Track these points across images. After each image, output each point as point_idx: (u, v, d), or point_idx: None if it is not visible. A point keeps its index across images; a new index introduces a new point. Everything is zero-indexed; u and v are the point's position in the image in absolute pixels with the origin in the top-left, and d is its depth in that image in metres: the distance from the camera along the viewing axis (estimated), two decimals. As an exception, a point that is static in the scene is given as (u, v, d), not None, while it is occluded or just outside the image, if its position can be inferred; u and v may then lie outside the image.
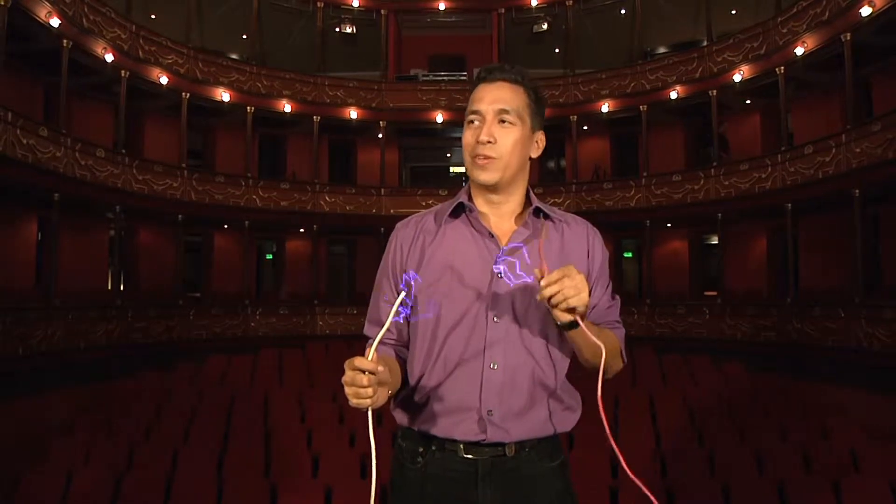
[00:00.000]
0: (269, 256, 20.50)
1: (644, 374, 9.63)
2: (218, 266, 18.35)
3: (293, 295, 18.52)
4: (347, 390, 1.29)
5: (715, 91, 15.92)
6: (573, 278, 1.29)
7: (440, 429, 1.53)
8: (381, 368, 1.30)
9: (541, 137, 1.67)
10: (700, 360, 10.53)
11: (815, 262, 15.16)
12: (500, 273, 1.54)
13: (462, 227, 1.61)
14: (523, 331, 1.53)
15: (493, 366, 1.51)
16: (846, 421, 6.41)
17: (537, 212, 1.63)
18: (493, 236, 1.58)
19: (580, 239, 1.65)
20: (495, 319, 1.52)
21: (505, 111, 1.57)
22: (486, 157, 1.55)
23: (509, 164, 1.57)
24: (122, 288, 15.06)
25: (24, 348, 11.20)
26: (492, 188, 1.60)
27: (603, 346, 1.36)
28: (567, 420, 1.61)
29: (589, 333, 1.35)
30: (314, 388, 8.58)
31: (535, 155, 1.67)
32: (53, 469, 4.74)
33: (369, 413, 1.34)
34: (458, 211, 1.64)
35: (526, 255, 1.56)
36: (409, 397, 1.60)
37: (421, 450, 1.56)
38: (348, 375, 1.28)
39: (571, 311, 1.33)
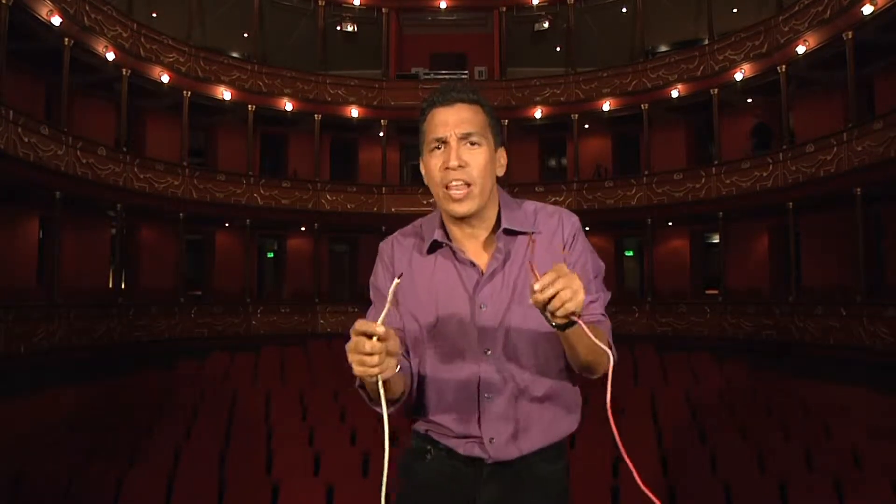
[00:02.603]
0: (271, 255, 20.50)
1: (645, 372, 9.63)
2: (219, 264, 18.37)
3: (295, 293, 18.53)
4: (351, 357, 1.20)
5: (716, 89, 15.91)
6: (568, 278, 1.19)
7: (445, 442, 1.56)
8: (389, 333, 1.21)
9: (502, 154, 1.61)
10: (701, 359, 10.52)
11: (817, 260, 15.15)
12: (484, 305, 1.50)
13: (442, 259, 1.57)
14: (516, 357, 1.51)
15: (489, 396, 1.50)
16: (848, 420, 6.41)
17: (508, 232, 1.55)
18: (474, 265, 1.53)
19: (551, 237, 1.56)
20: (487, 352, 1.50)
21: (469, 133, 1.50)
22: (461, 185, 1.48)
23: (483, 189, 1.51)
24: (123, 286, 15.06)
25: (25, 346, 11.22)
26: (466, 219, 1.53)
27: (611, 352, 1.31)
28: (570, 423, 1.60)
29: (590, 335, 1.27)
30: (316, 387, 8.59)
31: (500, 173, 1.59)
32: (55, 468, 4.74)
33: (379, 384, 1.25)
34: (435, 247, 1.58)
35: (506, 276, 1.52)
36: (413, 411, 1.60)
37: (429, 447, 1.58)
38: (353, 341, 1.19)
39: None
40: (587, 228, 19.57)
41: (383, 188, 18.15)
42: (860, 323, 11.97)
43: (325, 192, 17.81)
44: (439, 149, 1.52)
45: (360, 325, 1.19)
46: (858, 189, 12.33)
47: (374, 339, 1.18)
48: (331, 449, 5.29)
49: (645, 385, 8.48)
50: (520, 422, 1.52)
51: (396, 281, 1.25)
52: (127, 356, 13.13)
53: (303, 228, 18.57)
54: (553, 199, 17.14)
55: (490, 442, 1.51)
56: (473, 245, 1.58)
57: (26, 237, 13.95)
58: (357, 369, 1.20)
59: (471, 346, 1.50)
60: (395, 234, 1.67)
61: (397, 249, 1.63)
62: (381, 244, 1.66)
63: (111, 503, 4.41)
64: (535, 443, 1.53)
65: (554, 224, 1.57)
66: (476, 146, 1.51)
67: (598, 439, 5.38)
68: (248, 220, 16.83)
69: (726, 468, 4.86)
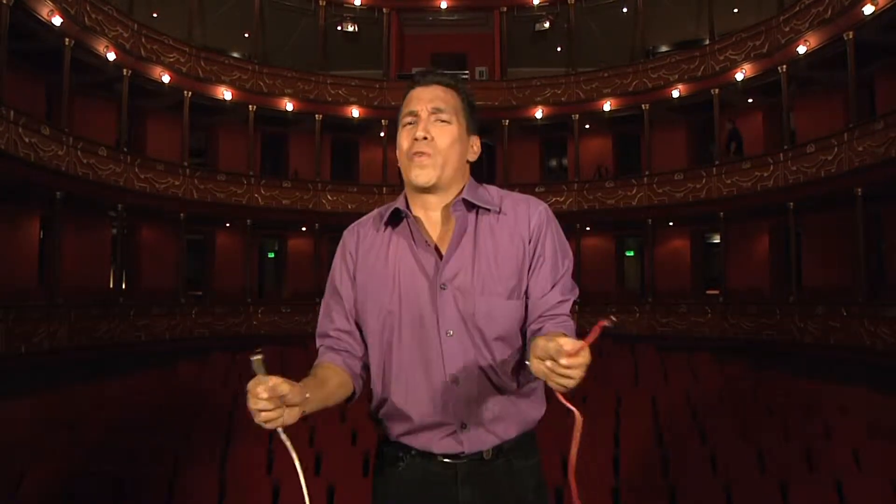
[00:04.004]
0: (272, 255, 20.51)
1: (646, 372, 9.62)
2: (220, 264, 18.38)
3: (295, 293, 18.54)
4: (252, 414, 1.25)
5: (717, 90, 15.92)
6: (584, 361, 1.14)
7: (418, 443, 1.52)
8: (285, 389, 1.22)
9: (476, 142, 1.63)
10: (702, 359, 10.51)
11: (818, 260, 15.15)
12: (444, 286, 1.48)
13: (400, 238, 1.56)
14: (477, 340, 1.48)
15: (456, 382, 1.47)
16: (848, 420, 6.40)
17: (469, 205, 1.55)
18: (429, 245, 1.52)
19: (515, 222, 1.55)
20: (449, 333, 1.47)
21: (439, 109, 1.54)
22: (423, 154, 1.51)
23: (447, 162, 1.53)
24: (124, 286, 15.07)
25: (25, 346, 11.22)
26: (429, 190, 1.55)
27: (577, 412, 1.24)
28: (539, 409, 1.60)
29: (577, 432, 1.24)
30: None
31: (472, 158, 1.61)
32: (56, 468, 4.74)
33: (281, 434, 1.29)
34: (395, 218, 1.59)
35: (465, 254, 1.51)
36: (380, 411, 1.58)
37: (401, 454, 1.55)
38: (250, 400, 1.24)
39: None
40: (588, 228, 19.58)
41: (384, 188, 18.15)
42: (861, 323, 11.96)
43: (325, 193, 17.81)
44: (411, 124, 1.55)
45: (251, 385, 1.24)
46: (859, 189, 12.33)
47: (267, 385, 1.23)
48: (331, 449, 5.29)
49: (645, 385, 8.47)
50: (490, 406, 1.50)
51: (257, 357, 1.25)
52: (127, 356, 13.13)
53: (303, 229, 18.58)
54: (554, 199, 17.15)
55: (463, 428, 1.48)
56: (432, 223, 1.58)
57: (27, 237, 13.96)
58: (257, 420, 1.25)
59: (432, 329, 1.48)
60: (356, 222, 1.67)
61: (360, 236, 1.63)
62: (345, 232, 1.67)
63: (110, 503, 4.41)
64: (509, 430, 1.52)
65: (522, 211, 1.56)
66: (445, 123, 1.54)
67: (597, 439, 5.38)
68: (248, 221, 16.84)
69: (727, 468, 4.86)
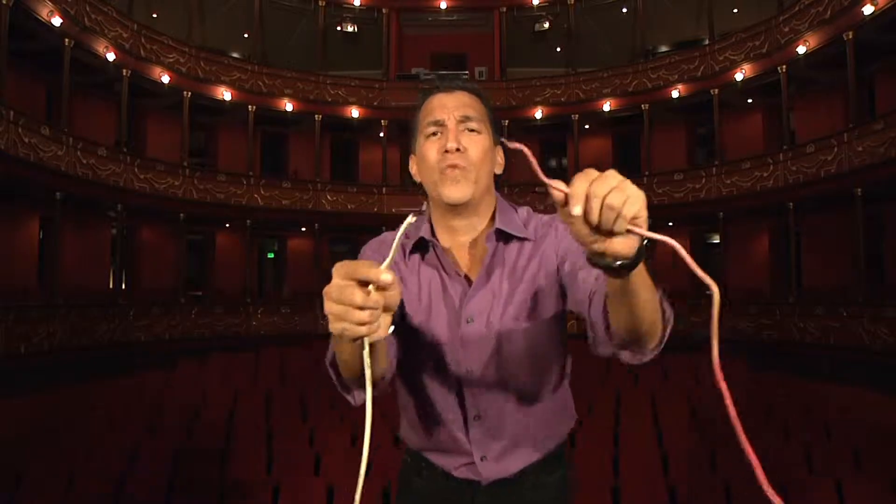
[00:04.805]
0: (271, 255, 20.51)
1: (645, 372, 9.62)
2: (220, 264, 18.38)
3: (295, 294, 18.53)
4: (332, 307, 0.84)
5: (717, 90, 15.93)
6: (605, 178, 0.81)
7: (439, 462, 1.50)
8: (394, 281, 0.85)
9: (500, 153, 1.48)
10: (702, 359, 10.51)
11: (818, 260, 15.15)
12: (471, 319, 1.38)
13: (429, 267, 1.44)
14: (507, 373, 1.40)
15: (476, 416, 1.42)
16: (848, 420, 6.41)
17: (501, 234, 1.42)
18: (459, 275, 1.41)
19: (548, 253, 1.40)
20: (467, 371, 1.39)
21: (468, 117, 1.39)
22: (457, 167, 1.36)
23: (480, 177, 1.38)
24: (123, 286, 15.07)
25: (26, 346, 11.22)
26: (459, 210, 1.40)
27: (710, 280, 0.82)
28: (566, 427, 1.55)
29: (685, 255, 0.88)
30: (316, 387, 8.58)
31: (498, 171, 1.47)
32: (56, 468, 4.74)
33: (366, 351, 0.90)
34: (420, 246, 1.45)
35: (497, 286, 1.39)
36: (405, 423, 1.55)
37: (423, 465, 1.53)
38: (336, 286, 0.84)
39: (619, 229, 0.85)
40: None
41: (384, 188, 18.15)
42: (861, 323, 11.96)
43: (325, 193, 17.81)
44: (436, 134, 1.40)
45: (354, 267, 0.84)
46: (859, 189, 12.34)
47: (371, 287, 0.84)
48: (331, 449, 5.29)
49: (645, 385, 8.47)
50: (511, 438, 1.44)
51: (408, 220, 0.95)
52: (127, 356, 13.13)
53: (303, 229, 18.58)
54: (553, 200, 17.12)
55: (482, 460, 1.44)
56: (461, 249, 1.45)
57: (27, 237, 13.95)
58: (336, 325, 0.85)
59: (455, 362, 1.40)
60: (375, 240, 1.53)
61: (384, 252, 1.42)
62: (370, 251, 1.50)
63: (111, 503, 4.41)
64: (530, 457, 1.47)
65: (551, 238, 1.42)
66: (475, 133, 1.40)
67: (598, 439, 5.38)
68: (248, 221, 16.84)
69: (726, 468, 4.86)
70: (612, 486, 4.45)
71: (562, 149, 20.12)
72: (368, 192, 18.20)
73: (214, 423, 6.47)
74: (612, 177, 0.81)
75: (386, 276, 0.83)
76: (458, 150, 1.36)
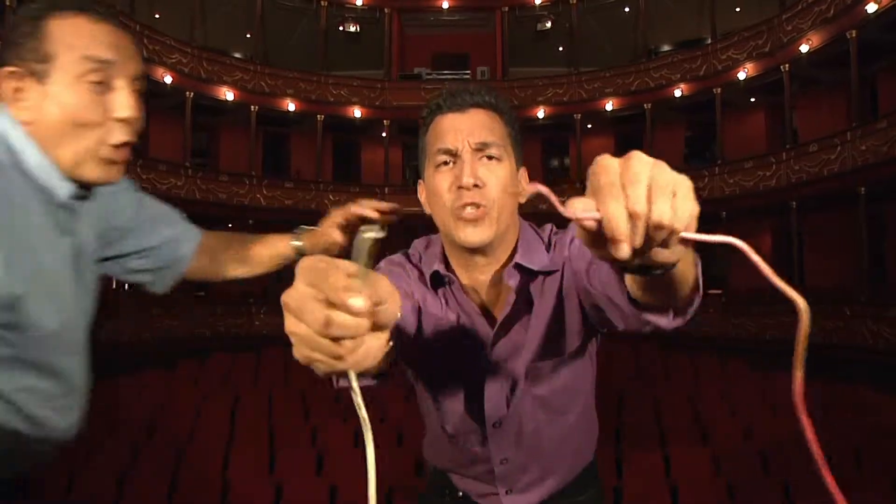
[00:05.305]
0: (274, 255, 20.49)
1: (648, 372, 9.63)
2: (222, 265, 18.36)
3: (297, 294, 18.51)
4: (295, 328, 0.62)
5: (719, 89, 15.91)
6: (637, 182, 0.59)
7: (462, 487, 1.44)
8: (386, 290, 0.67)
9: (524, 176, 1.27)
10: (705, 359, 10.51)
11: (820, 260, 15.13)
12: (496, 363, 1.26)
13: (445, 303, 1.27)
14: (535, 417, 1.30)
15: (503, 461, 1.33)
16: (851, 420, 6.40)
17: (524, 270, 1.24)
18: (480, 315, 1.25)
19: (573, 276, 1.21)
20: (494, 426, 1.29)
21: (486, 144, 1.18)
22: (475, 206, 1.16)
23: (502, 214, 1.18)
24: (126, 286, 15.08)
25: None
26: (479, 250, 1.22)
27: (800, 300, 0.64)
28: (591, 448, 1.47)
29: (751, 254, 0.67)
30: (318, 387, 8.58)
31: (522, 200, 1.25)
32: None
33: (352, 381, 0.65)
34: (435, 282, 1.28)
35: (523, 327, 1.25)
36: (428, 441, 1.47)
37: (447, 491, 1.46)
38: (300, 301, 0.61)
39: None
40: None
41: (386, 188, 18.15)
42: (863, 323, 11.95)
43: (327, 193, 17.81)
44: (448, 164, 1.19)
45: (323, 274, 0.59)
46: (862, 188, 12.32)
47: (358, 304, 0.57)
48: (333, 449, 5.29)
49: (648, 385, 8.46)
50: (539, 472, 1.36)
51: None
52: (127, 356, 13.13)
53: (305, 229, 18.55)
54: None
55: (507, 494, 1.36)
56: (481, 285, 1.27)
57: (29, 238, 13.96)
58: (302, 352, 0.64)
59: (480, 409, 1.29)
60: (398, 263, 1.33)
61: (411, 276, 1.30)
62: (396, 268, 1.30)
63: (111, 503, 4.42)
64: (558, 486, 1.39)
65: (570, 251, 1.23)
66: (495, 161, 1.18)
67: (599, 439, 5.36)
68: (250, 221, 16.84)
69: (730, 468, 4.85)
70: (613, 486, 4.44)
71: (564, 148, 20.12)
72: (370, 192, 18.16)
73: (216, 422, 6.47)
74: (643, 171, 0.60)
75: (357, 302, 0.57)
76: (476, 185, 1.15)
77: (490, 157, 1.18)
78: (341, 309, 0.57)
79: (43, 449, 1.24)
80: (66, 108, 1.06)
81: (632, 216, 0.58)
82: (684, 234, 0.64)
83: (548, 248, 1.26)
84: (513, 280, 1.21)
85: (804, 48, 13.68)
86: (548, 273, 1.24)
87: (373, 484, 0.72)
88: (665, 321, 0.96)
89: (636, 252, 0.62)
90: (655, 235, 0.61)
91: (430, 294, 1.27)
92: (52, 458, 1.27)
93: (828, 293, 13.87)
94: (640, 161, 0.60)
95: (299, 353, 0.63)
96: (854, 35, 12.48)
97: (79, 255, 1.22)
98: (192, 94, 16.02)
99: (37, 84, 1.08)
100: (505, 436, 1.30)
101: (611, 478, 4.65)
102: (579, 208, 0.61)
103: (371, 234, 0.66)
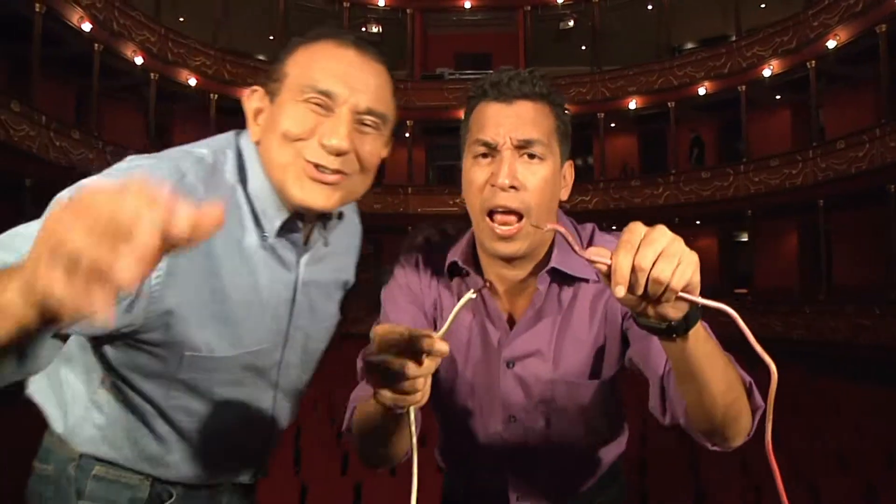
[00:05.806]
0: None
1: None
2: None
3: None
4: (375, 380, 0.82)
5: (744, 86, 15.74)
6: (651, 244, 0.74)
7: (476, 494, 1.39)
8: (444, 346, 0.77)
9: (569, 171, 1.19)
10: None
11: (848, 258, 14.93)
12: (512, 363, 1.20)
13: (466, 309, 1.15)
14: (555, 424, 1.22)
15: (515, 466, 1.28)
16: (880, 421, 6.31)
17: (556, 273, 1.16)
18: (502, 318, 1.20)
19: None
20: (512, 419, 1.23)
21: (529, 142, 1.08)
22: (509, 213, 1.08)
23: (539, 216, 1.09)
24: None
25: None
26: (512, 259, 1.14)
27: (768, 359, 0.86)
28: (614, 453, 1.36)
29: (746, 329, 0.84)
30: (345, 388, 8.62)
31: (564, 197, 1.17)
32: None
33: (411, 417, 0.87)
34: (454, 274, 1.23)
35: (546, 330, 1.18)
36: (441, 451, 1.44)
37: (461, 500, 1.42)
38: (382, 356, 0.78)
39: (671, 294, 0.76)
40: (613, 228, 19.72)
41: (409, 188, 18.20)
42: (893, 322, 11.76)
43: (350, 193, 17.88)
44: (486, 157, 1.11)
45: (393, 332, 0.78)
46: (892, 186, 12.13)
47: (425, 355, 0.77)
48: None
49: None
50: (558, 485, 1.30)
51: (470, 295, 0.84)
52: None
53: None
54: (579, 198, 17.06)
55: (518, 500, 1.29)
56: (506, 285, 1.20)
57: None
58: (386, 396, 0.81)
59: (494, 412, 1.23)
60: (400, 286, 1.29)
61: (423, 278, 1.27)
62: (409, 275, 1.29)
63: None
64: (572, 490, 1.32)
65: None
66: (537, 160, 1.09)
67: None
68: (274, 222, 16.97)
69: (756, 470, 4.81)
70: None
71: (588, 147, 20.02)
72: (394, 193, 18.24)
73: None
74: (660, 239, 0.74)
75: (440, 345, 0.76)
76: (513, 187, 1.07)
77: (532, 157, 1.09)
78: (430, 353, 0.77)
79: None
80: (282, 123, 1.07)
81: (636, 268, 0.73)
82: (682, 295, 0.76)
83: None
84: (543, 283, 1.15)
85: (831, 44, 13.50)
86: (584, 280, 1.16)
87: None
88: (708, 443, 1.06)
89: (642, 298, 0.76)
90: (654, 289, 0.74)
91: (447, 291, 1.23)
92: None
93: (856, 292, 13.68)
94: (661, 232, 0.75)
95: (383, 397, 0.82)
96: (884, 29, 12.28)
97: (295, 293, 1.21)
98: (216, 96, 16.17)
99: (269, 103, 1.12)
100: (516, 440, 1.24)
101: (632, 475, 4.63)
102: (594, 252, 0.76)
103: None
